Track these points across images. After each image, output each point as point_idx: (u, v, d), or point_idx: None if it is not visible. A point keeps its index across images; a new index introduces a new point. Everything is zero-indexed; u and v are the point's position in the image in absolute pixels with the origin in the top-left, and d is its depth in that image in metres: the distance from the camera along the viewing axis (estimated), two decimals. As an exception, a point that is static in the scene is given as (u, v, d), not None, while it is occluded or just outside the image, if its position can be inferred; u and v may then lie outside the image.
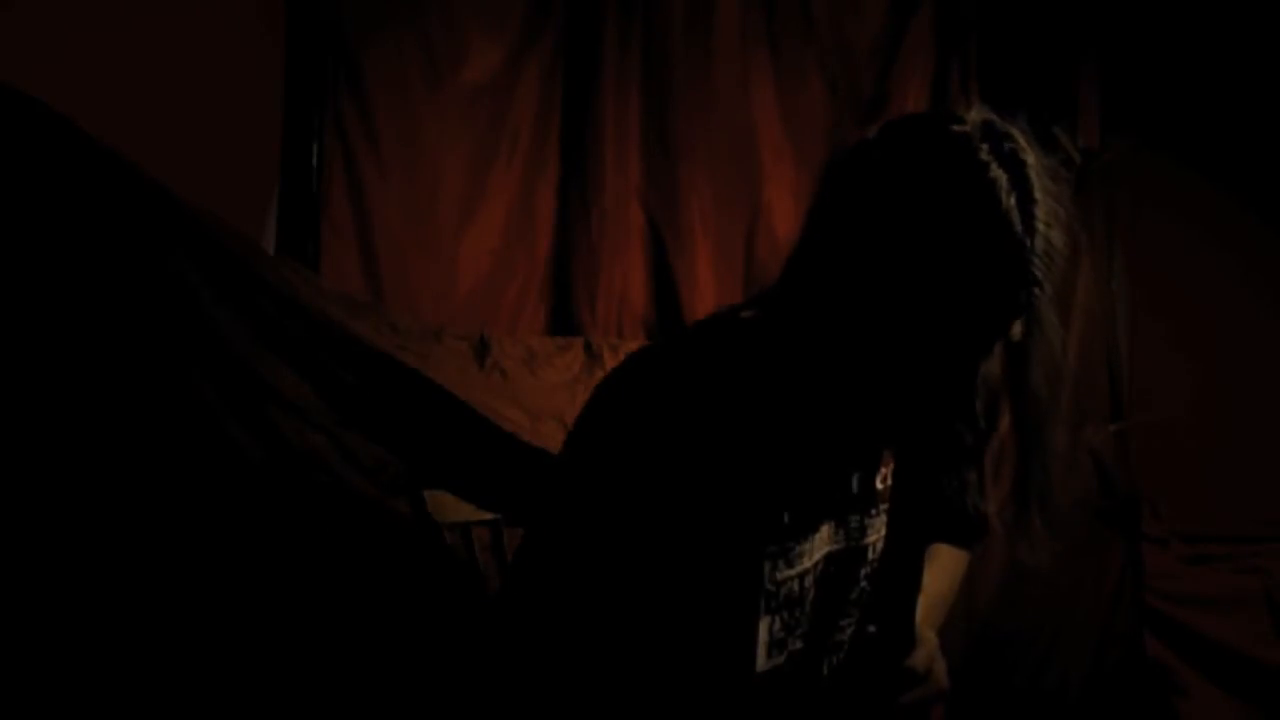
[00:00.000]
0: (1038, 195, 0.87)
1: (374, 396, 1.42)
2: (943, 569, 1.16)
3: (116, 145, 1.27)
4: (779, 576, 0.99)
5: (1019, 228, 0.84)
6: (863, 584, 1.08)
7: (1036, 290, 0.89)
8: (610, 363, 1.71)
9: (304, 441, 1.36)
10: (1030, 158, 0.88)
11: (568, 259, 1.92)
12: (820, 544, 1.03)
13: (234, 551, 1.30)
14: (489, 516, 1.33)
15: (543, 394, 1.60)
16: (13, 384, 1.19)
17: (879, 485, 1.07)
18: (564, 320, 1.91)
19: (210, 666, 1.27)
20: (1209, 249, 2.36)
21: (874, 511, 1.06)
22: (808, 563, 1.02)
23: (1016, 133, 0.89)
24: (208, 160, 1.50)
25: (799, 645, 1.04)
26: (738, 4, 2.08)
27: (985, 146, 0.85)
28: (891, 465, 1.08)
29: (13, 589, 1.17)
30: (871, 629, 0.96)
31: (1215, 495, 2.33)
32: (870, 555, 1.08)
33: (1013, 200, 0.84)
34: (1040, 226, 0.87)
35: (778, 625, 1.01)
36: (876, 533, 1.07)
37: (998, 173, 0.84)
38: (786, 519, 0.95)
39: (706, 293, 1.95)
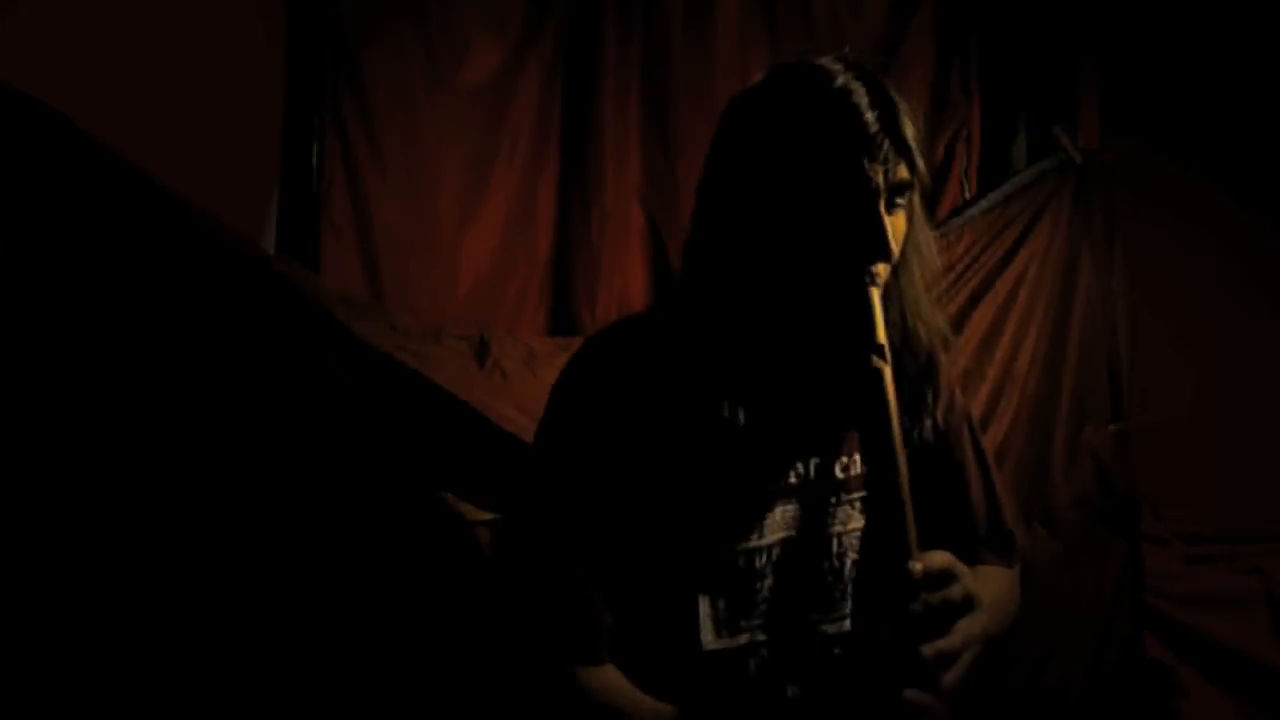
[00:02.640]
0: (893, 96, 0.97)
1: (373, 397, 1.42)
2: (989, 578, 1.13)
3: (116, 145, 1.27)
4: (726, 547, 1.02)
5: (875, 114, 0.95)
6: (829, 578, 1.08)
7: (911, 176, 0.98)
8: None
9: None
10: (881, 79, 0.99)
11: (568, 259, 1.92)
12: (775, 526, 1.04)
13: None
14: (488, 516, 1.33)
15: (543, 394, 1.59)
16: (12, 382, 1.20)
17: (839, 474, 1.07)
18: (564, 320, 1.91)
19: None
20: (1209, 249, 2.36)
21: (835, 500, 1.07)
22: (757, 541, 1.04)
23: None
24: (208, 160, 1.50)
25: (761, 638, 1.04)
26: (738, 4, 2.08)
27: (840, 65, 0.98)
28: (856, 453, 1.08)
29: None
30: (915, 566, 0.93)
31: (1215, 495, 2.33)
32: (835, 548, 1.08)
33: (866, 96, 0.95)
34: (902, 119, 0.97)
35: (723, 602, 1.02)
36: (842, 524, 1.07)
37: (851, 81, 0.96)
38: (722, 489, 1.00)
39: (706, 292, 1.95)
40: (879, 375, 0.96)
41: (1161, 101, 2.38)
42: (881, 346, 0.96)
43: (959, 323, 2.15)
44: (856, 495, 1.08)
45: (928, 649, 0.91)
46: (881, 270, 0.98)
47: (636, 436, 0.99)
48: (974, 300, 2.17)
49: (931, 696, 0.91)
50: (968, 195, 2.38)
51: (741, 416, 0.99)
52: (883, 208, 0.96)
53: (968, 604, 0.94)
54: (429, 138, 1.77)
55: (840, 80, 0.96)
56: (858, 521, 1.08)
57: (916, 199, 1.03)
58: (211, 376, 1.31)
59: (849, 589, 1.09)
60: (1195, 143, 2.36)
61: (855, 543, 1.09)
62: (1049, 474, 2.20)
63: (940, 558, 0.94)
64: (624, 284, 1.93)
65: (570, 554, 0.99)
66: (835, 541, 1.07)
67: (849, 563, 1.08)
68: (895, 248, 0.98)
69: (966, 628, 0.94)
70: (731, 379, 1.00)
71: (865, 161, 0.94)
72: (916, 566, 0.92)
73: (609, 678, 1.00)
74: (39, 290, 1.22)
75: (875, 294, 0.97)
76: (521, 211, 1.88)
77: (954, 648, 0.93)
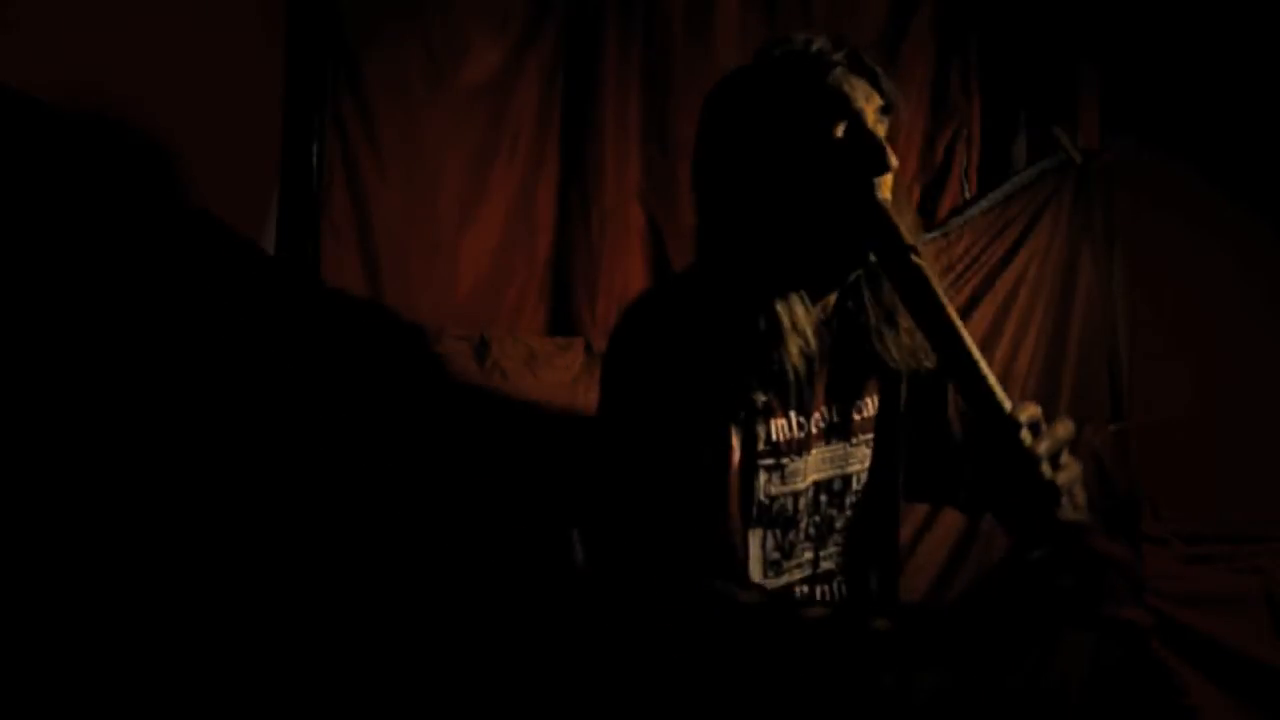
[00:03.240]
0: (865, 59, 1.08)
1: (373, 397, 1.42)
2: None
3: (117, 145, 1.27)
4: (773, 491, 1.06)
5: (842, 53, 1.07)
6: (849, 513, 1.15)
7: (889, 117, 1.07)
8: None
9: None
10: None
11: (568, 259, 1.92)
12: (812, 468, 1.11)
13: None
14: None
15: (543, 394, 1.60)
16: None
17: (856, 416, 1.15)
18: (564, 320, 1.91)
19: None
20: (1209, 249, 2.36)
21: (854, 441, 1.15)
22: (800, 484, 1.09)
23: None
24: (208, 160, 1.50)
25: (798, 575, 1.08)
26: (738, 4, 2.08)
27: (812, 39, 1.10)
28: (875, 398, 1.17)
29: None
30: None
31: (1215, 495, 2.33)
32: (855, 484, 1.16)
33: (841, 55, 1.07)
34: (877, 71, 1.08)
35: (770, 543, 1.06)
36: (860, 463, 1.16)
37: (824, 43, 1.09)
38: (770, 429, 1.05)
39: (706, 292, 1.95)
40: (919, 271, 1.00)
41: (1161, 101, 2.38)
42: (912, 246, 1.01)
43: (959, 323, 2.15)
44: (870, 436, 1.17)
45: (1060, 477, 0.92)
46: (886, 182, 1.04)
47: (690, 390, 1.01)
48: (974, 300, 2.17)
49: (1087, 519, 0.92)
50: (968, 195, 2.38)
51: (793, 367, 1.04)
52: (871, 122, 1.04)
53: (1069, 434, 0.96)
54: (429, 138, 1.77)
55: (803, 37, 1.11)
56: (869, 460, 1.17)
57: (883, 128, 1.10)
58: (232, 377, 1.31)
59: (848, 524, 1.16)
60: (1195, 143, 2.36)
61: (863, 480, 1.17)
62: (1049, 474, 2.19)
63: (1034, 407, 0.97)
64: (624, 284, 1.93)
65: (667, 468, 1.00)
66: (855, 479, 1.16)
67: (856, 499, 1.16)
68: (894, 160, 1.04)
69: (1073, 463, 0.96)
70: (775, 333, 1.04)
71: (842, 83, 1.04)
72: (1031, 410, 0.94)
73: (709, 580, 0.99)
74: (38, 290, 1.22)
75: (887, 202, 1.03)
76: (521, 211, 1.88)
77: (1077, 474, 0.94)
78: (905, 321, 1.13)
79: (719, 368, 1.02)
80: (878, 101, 1.06)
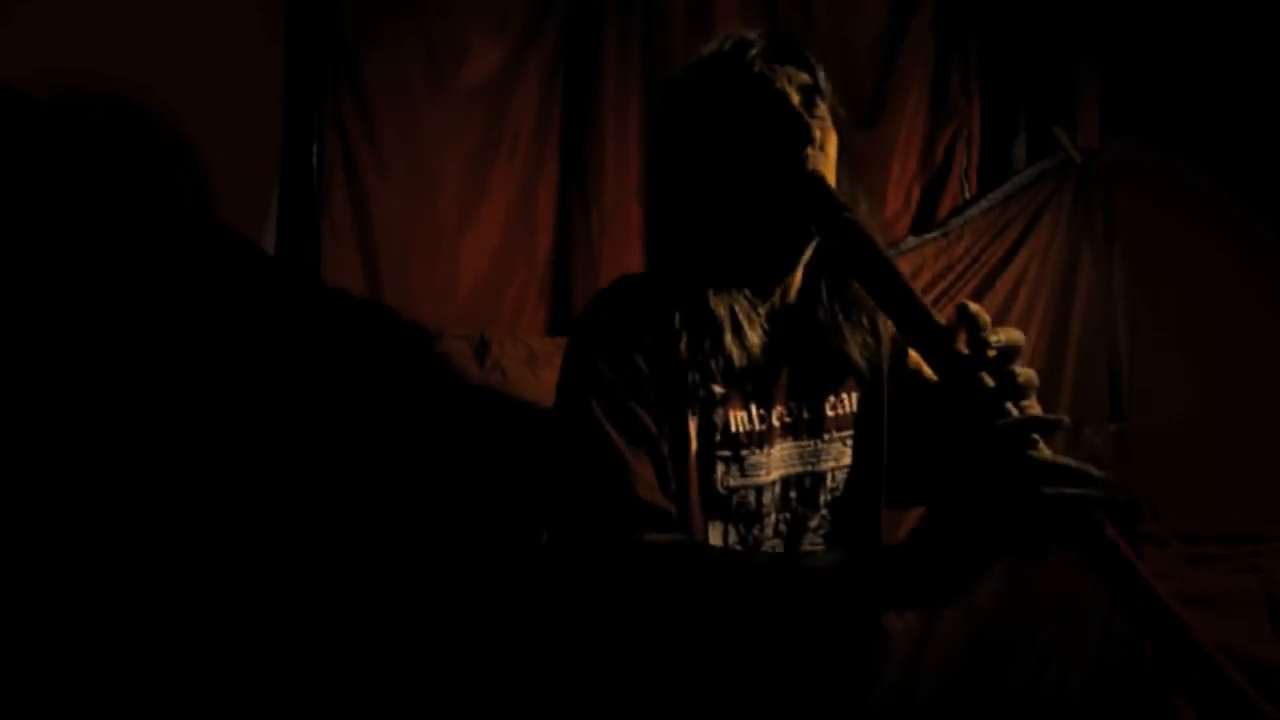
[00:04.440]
0: (794, 45, 1.13)
1: (373, 397, 1.42)
2: None
3: (117, 145, 1.27)
4: (732, 483, 1.07)
5: (764, 43, 1.11)
6: (824, 511, 1.14)
7: (819, 98, 1.11)
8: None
9: None
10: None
11: (568, 259, 1.92)
12: (776, 463, 1.11)
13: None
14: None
15: (543, 394, 1.60)
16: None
17: (830, 412, 1.15)
18: (564, 320, 1.91)
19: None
20: (1209, 249, 2.36)
21: (828, 437, 1.15)
22: (764, 478, 1.09)
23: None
24: (208, 160, 1.50)
25: None
26: (738, 4, 2.08)
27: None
28: (853, 395, 1.17)
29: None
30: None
31: (1215, 495, 2.33)
32: (829, 482, 1.15)
33: (763, 44, 1.11)
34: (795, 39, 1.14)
35: (732, 537, 1.08)
36: (834, 460, 1.15)
37: (747, 36, 1.13)
38: (728, 420, 1.06)
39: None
40: (854, 225, 1.03)
41: (1161, 101, 2.38)
42: (842, 204, 1.04)
43: (959, 323, 2.15)
44: (847, 433, 1.17)
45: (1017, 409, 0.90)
46: (816, 158, 1.07)
47: (656, 371, 1.04)
48: (974, 300, 2.17)
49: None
50: (968, 195, 2.38)
51: (740, 357, 1.05)
52: (797, 102, 1.08)
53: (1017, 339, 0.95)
54: (429, 138, 1.77)
55: (735, 34, 1.14)
56: (849, 458, 1.17)
57: (828, 115, 1.13)
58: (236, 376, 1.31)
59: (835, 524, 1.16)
60: (1195, 143, 2.36)
61: (839, 477, 1.17)
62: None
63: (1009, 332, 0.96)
64: (624, 284, 1.93)
65: (614, 443, 1.01)
66: (829, 476, 1.15)
67: (832, 496, 1.16)
68: (818, 133, 1.07)
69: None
70: (724, 323, 1.06)
71: (763, 68, 1.08)
72: (996, 336, 0.94)
73: (664, 536, 0.99)
74: (38, 290, 1.22)
75: (816, 169, 1.06)
76: (521, 211, 1.88)
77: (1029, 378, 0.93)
78: (865, 319, 1.16)
79: (672, 358, 1.04)
80: (802, 80, 1.10)
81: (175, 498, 1.27)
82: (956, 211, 2.26)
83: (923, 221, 2.31)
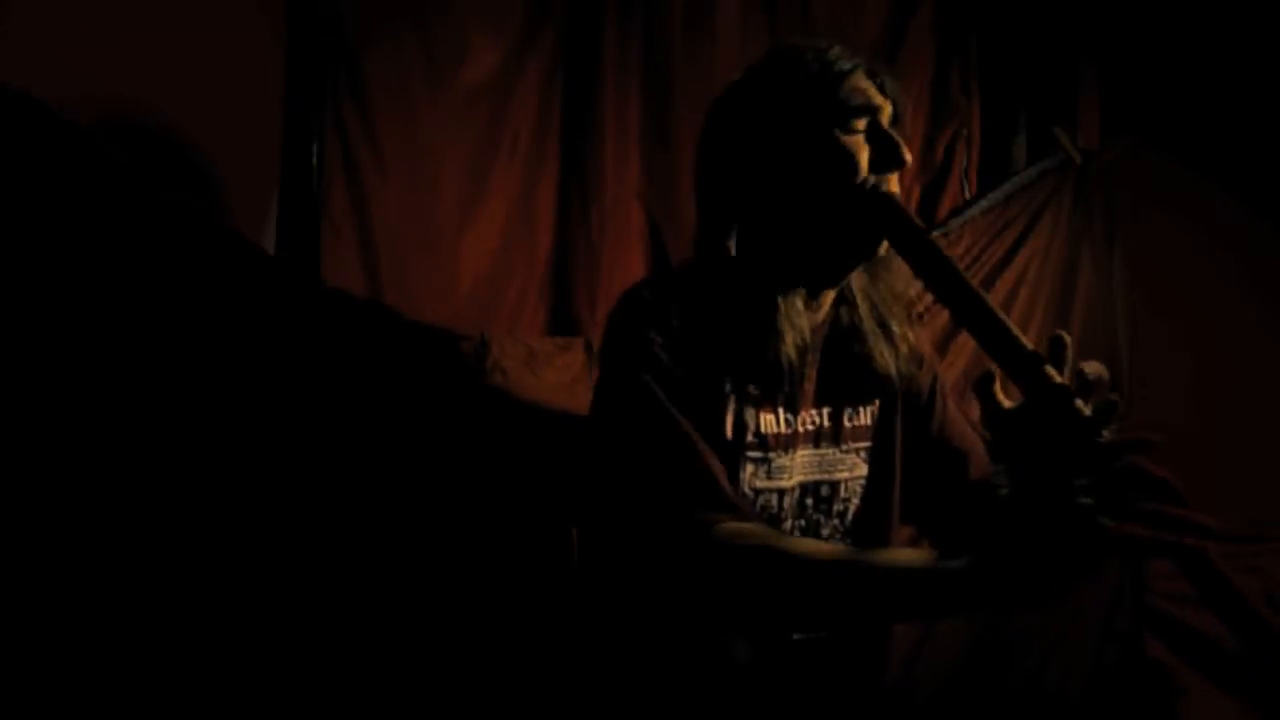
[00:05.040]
0: (876, 67, 1.11)
1: (373, 397, 1.42)
2: None
3: (117, 145, 1.27)
4: (758, 485, 1.08)
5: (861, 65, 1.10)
6: (835, 521, 1.15)
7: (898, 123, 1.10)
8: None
9: None
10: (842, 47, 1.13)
11: (568, 259, 1.92)
12: (798, 469, 1.12)
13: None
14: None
15: (543, 394, 1.60)
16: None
17: (847, 423, 1.16)
18: (564, 320, 1.91)
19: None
20: (1209, 249, 2.36)
21: (845, 447, 1.16)
22: (786, 482, 1.10)
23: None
24: (208, 160, 1.50)
25: None
26: (738, 4, 2.08)
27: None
28: (871, 407, 1.17)
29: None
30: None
31: (1215, 495, 2.32)
32: (843, 491, 1.16)
33: (858, 59, 1.10)
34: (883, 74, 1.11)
35: None
36: (848, 470, 1.16)
37: (840, 48, 1.11)
38: (759, 422, 1.07)
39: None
40: (935, 246, 1.04)
41: (1161, 101, 2.38)
42: (922, 228, 1.06)
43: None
44: (862, 445, 1.17)
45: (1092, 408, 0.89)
46: (894, 182, 1.08)
47: (695, 367, 1.03)
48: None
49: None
50: (968, 195, 2.38)
51: (789, 358, 1.06)
52: (887, 120, 1.08)
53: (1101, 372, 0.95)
54: (429, 138, 1.77)
55: (821, 42, 1.12)
56: (862, 470, 1.17)
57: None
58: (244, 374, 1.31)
59: (847, 535, 1.16)
60: (1195, 143, 2.36)
61: (859, 489, 1.17)
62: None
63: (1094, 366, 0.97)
64: (624, 284, 1.91)
65: (683, 426, 1.00)
66: (843, 486, 1.15)
67: (852, 508, 1.16)
68: (908, 157, 1.07)
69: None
70: (771, 325, 1.06)
71: (864, 81, 1.07)
72: (1095, 367, 0.93)
73: (745, 524, 0.98)
74: (39, 290, 1.22)
75: (888, 189, 1.07)
76: (521, 211, 1.88)
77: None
78: (899, 330, 1.16)
79: (712, 354, 1.04)
80: (889, 106, 1.09)
81: (174, 498, 1.27)
82: (956, 211, 2.26)
83: (923, 221, 2.31)
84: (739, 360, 1.05)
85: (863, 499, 1.16)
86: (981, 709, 2.03)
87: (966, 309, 0.98)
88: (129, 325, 1.27)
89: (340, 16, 1.67)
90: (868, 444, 1.17)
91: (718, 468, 1.00)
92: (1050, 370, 0.90)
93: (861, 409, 1.17)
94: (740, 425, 1.06)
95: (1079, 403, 0.88)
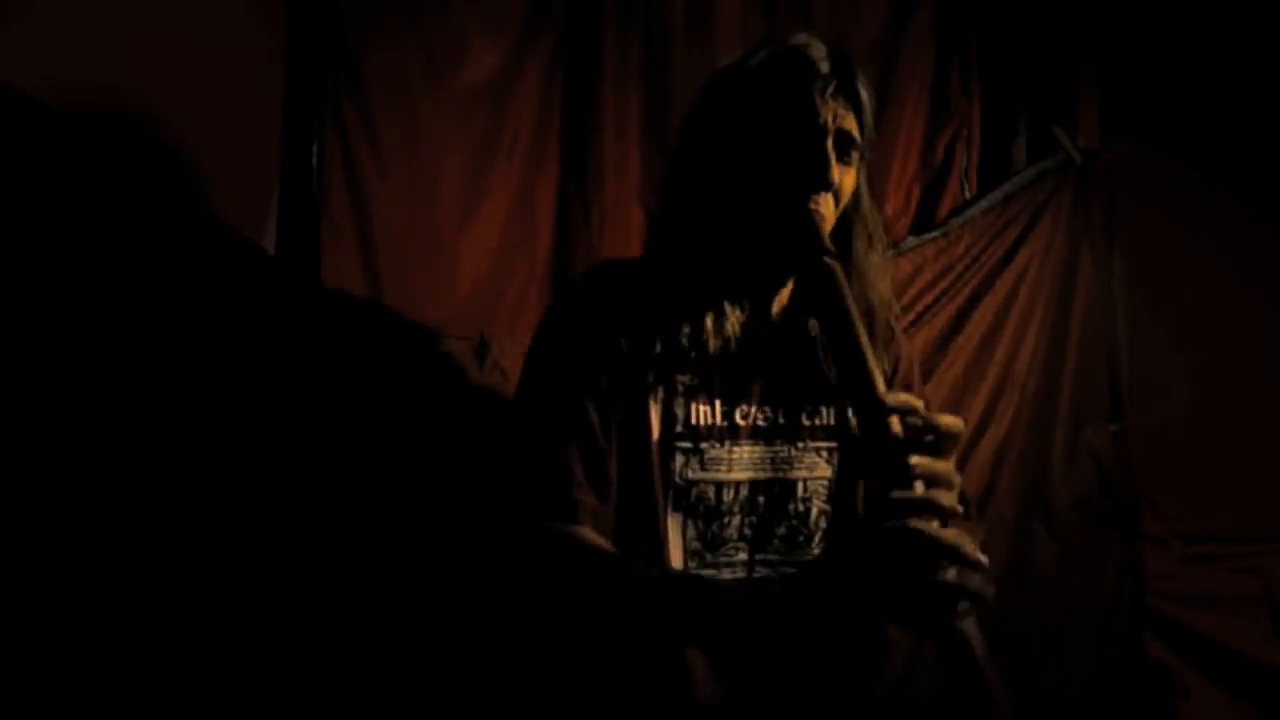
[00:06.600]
0: (852, 62, 1.13)
1: (373, 397, 1.43)
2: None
3: (117, 145, 1.27)
4: (691, 476, 1.08)
5: (829, 64, 1.11)
6: (792, 521, 1.14)
7: (859, 133, 1.11)
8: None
9: None
10: (846, 53, 1.15)
11: (568, 259, 1.92)
12: (743, 463, 1.11)
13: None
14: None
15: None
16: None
17: (805, 421, 1.16)
18: (564, 320, 1.91)
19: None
20: (1209, 249, 2.36)
21: (802, 445, 1.15)
22: (725, 474, 1.09)
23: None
24: (208, 160, 1.50)
25: (728, 574, 1.10)
26: (738, 4, 2.08)
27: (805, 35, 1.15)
28: (835, 408, 1.17)
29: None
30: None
31: (1215, 495, 2.33)
32: (800, 492, 1.15)
33: (824, 50, 1.12)
34: (857, 78, 1.13)
35: (691, 532, 1.07)
36: (807, 469, 1.15)
37: (812, 40, 1.14)
38: (690, 412, 1.08)
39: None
40: (831, 272, 1.03)
41: (1161, 101, 2.38)
42: (829, 249, 1.05)
43: (959, 322, 2.15)
44: (824, 445, 1.17)
45: (915, 462, 0.91)
46: (825, 202, 1.08)
47: (618, 355, 1.05)
48: (974, 300, 2.17)
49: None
50: (968, 195, 2.38)
51: (715, 345, 1.07)
52: (829, 145, 1.07)
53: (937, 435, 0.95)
54: (429, 138, 1.77)
55: (802, 38, 1.14)
56: (824, 470, 1.16)
57: (863, 169, 1.15)
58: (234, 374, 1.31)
59: (816, 536, 1.15)
60: (1195, 143, 2.36)
61: (822, 490, 1.16)
62: (1049, 474, 2.20)
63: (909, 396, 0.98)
64: (624, 284, 1.93)
65: (565, 434, 1.03)
66: (800, 485, 1.15)
67: (815, 509, 1.15)
68: (836, 180, 1.08)
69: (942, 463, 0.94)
70: (702, 316, 1.08)
71: (815, 96, 1.07)
72: (904, 397, 0.96)
73: (581, 532, 1.01)
74: (39, 291, 1.22)
75: (818, 210, 1.07)
76: (521, 211, 1.88)
77: (944, 468, 0.94)
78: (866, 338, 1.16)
79: (640, 344, 1.06)
80: (850, 127, 1.10)
81: (174, 498, 1.27)
82: (956, 211, 2.26)
83: (923, 221, 2.31)
84: (669, 351, 1.07)
85: (830, 501, 1.16)
86: (981, 709, 2.03)
87: (843, 344, 1.01)
88: (129, 325, 1.27)
89: (340, 16, 1.67)
90: (831, 444, 1.17)
91: (585, 470, 1.02)
92: (893, 421, 0.93)
93: (824, 409, 1.17)
94: (669, 416, 1.07)
95: (894, 428, 0.92)
